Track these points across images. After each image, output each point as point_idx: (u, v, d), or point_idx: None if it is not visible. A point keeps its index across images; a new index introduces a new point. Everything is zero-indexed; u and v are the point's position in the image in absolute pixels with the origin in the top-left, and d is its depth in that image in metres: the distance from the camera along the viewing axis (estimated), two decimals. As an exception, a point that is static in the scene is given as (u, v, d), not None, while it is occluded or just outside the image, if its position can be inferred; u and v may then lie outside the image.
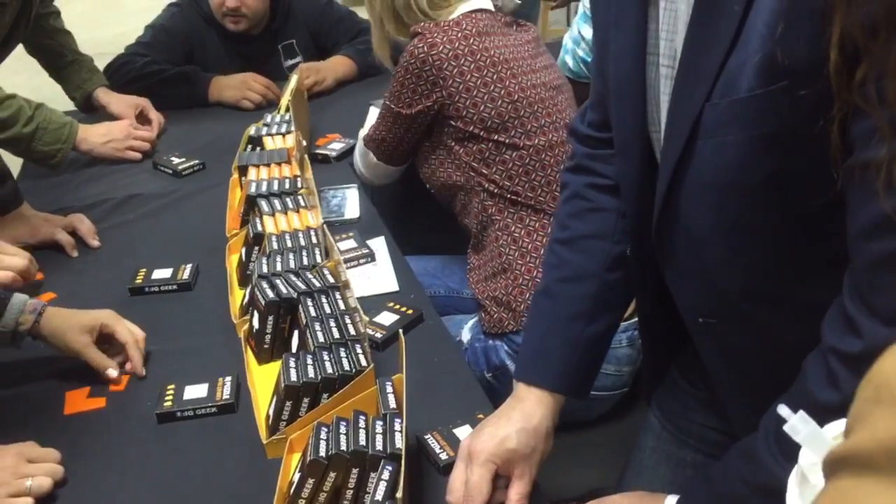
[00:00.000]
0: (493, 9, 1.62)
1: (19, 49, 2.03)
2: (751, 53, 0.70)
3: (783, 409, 0.51)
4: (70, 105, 2.21)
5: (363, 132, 1.77)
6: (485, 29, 1.56)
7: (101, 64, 2.29)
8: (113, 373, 1.21)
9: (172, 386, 1.18)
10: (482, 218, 1.58)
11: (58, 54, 2.14)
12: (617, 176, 0.99)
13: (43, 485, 1.03)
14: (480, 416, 1.09)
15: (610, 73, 0.91)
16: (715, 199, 0.79)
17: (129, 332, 1.24)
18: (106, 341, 1.24)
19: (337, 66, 2.38)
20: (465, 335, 1.62)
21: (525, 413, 1.00)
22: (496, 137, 1.54)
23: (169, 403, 1.15)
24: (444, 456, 1.03)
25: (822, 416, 0.73)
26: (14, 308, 1.17)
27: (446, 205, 1.69)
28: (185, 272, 1.46)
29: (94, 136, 1.91)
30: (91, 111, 2.16)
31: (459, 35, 1.52)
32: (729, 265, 0.82)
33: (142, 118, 2.11)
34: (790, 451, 0.77)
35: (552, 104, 1.60)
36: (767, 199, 0.76)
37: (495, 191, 1.55)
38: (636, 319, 1.33)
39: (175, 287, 1.44)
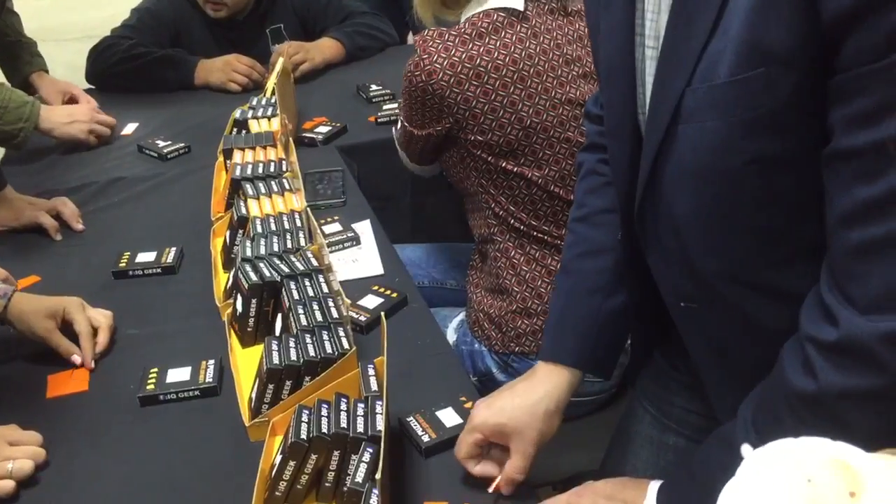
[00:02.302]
0: (521, 7, 1.38)
1: None
2: (730, 39, 0.70)
3: (745, 449, 0.51)
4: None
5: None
6: (504, 36, 1.36)
7: (87, 47, 2.27)
8: (77, 359, 1.21)
9: (156, 369, 1.18)
10: (485, 232, 1.51)
11: (1, 34, 2.10)
12: (609, 158, 0.98)
13: (24, 467, 1.03)
14: (463, 398, 1.10)
15: (600, 56, 0.91)
16: (695, 184, 0.79)
17: (86, 323, 1.23)
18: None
19: (324, 47, 2.37)
20: (451, 335, 1.58)
21: (529, 388, 1.00)
22: (503, 164, 1.41)
23: (152, 387, 1.15)
24: (426, 438, 1.03)
25: (798, 403, 0.74)
26: None
27: (460, 198, 1.62)
28: (170, 255, 1.46)
29: (56, 116, 1.88)
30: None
31: (464, 56, 1.33)
32: (709, 249, 0.82)
33: (72, 103, 2.07)
34: (767, 437, 0.77)
35: (575, 125, 1.41)
36: (746, 184, 0.76)
37: (500, 212, 1.46)
38: None
39: (159, 270, 1.44)
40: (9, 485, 1.02)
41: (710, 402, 0.96)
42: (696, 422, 1.07)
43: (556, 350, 1.03)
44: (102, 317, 1.26)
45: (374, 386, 1.00)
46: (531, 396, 0.99)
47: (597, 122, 1.08)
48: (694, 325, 0.92)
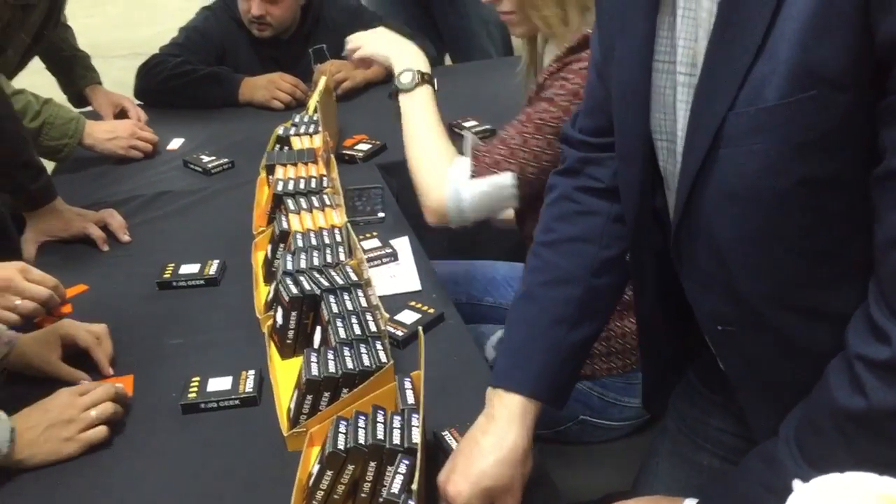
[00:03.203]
0: None
1: None
2: (779, 62, 0.70)
3: (796, 484, 0.51)
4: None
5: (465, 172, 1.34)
6: None
7: (135, 63, 2.34)
8: (86, 382, 1.22)
9: (197, 378, 1.21)
10: None
11: (58, 49, 2.18)
12: (618, 182, 0.98)
13: (106, 409, 1.10)
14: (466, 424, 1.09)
15: (613, 79, 0.91)
16: (739, 208, 0.78)
17: (88, 336, 1.25)
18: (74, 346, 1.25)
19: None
20: (490, 352, 1.57)
21: (498, 438, 0.96)
22: None
23: (193, 395, 1.18)
24: (453, 451, 1.04)
25: (845, 421, 0.74)
26: None
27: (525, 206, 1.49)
28: (212, 268, 1.49)
29: (99, 132, 1.95)
30: (82, 107, 2.20)
31: None
32: (753, 272, 0.82)
33: (122, 116, 2.14)
34: (811, 455, 0.78)
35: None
36: (794, 206, 0.76)
37: None
38: None
39: (202, 282, 1.47)
40: (102, 430, 1.09)
41: (747, 423, 0.96)
42: (731, 442, 1.07)
43: (516, 379, 1.00)
44: (98, 328, 1.28)
45: (410, 399, 1.02)
46: (505, 444, 0.96)
47: (577, 147, 1.05)
48: (732, 347, 0.92)
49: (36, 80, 2.02)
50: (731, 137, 0.76)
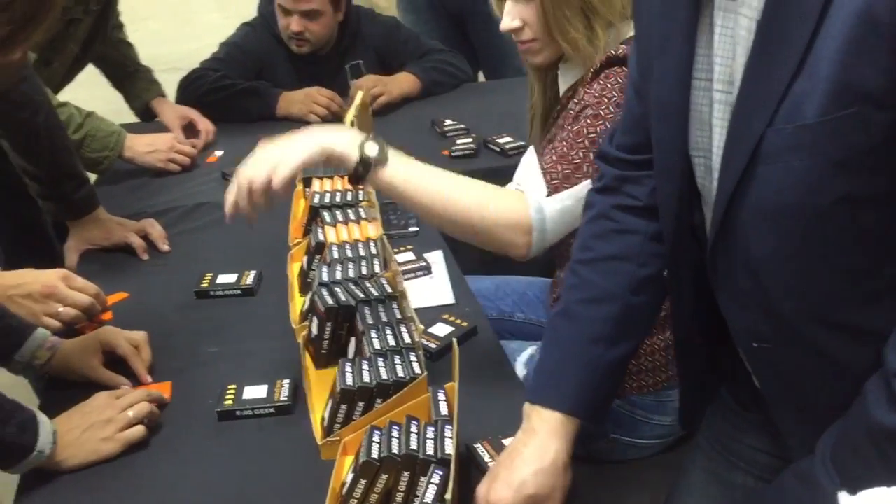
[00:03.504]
0: None
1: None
2: (819, 79, 0.70)
3: (843, 497, 0.51)
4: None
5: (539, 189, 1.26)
6: None
7: (176, 78, 2.38)
8: (126, 387, 1.24)
9: (233, 386, 1.23)
10: None
11: (120, 65, 2.25)
12: (657, 198, 0.99)
13: (143, 409, 1.13)
14: (500, 437, 1.10)
15: (652, 96, 0.92)
16: (776, 224, 0.79)
17: (127, 345, 1.28)
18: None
19: (402, 81, 2.44)
20: (520, 369, 1.56)
21: (539, 449, 0.98)
22: None
23: (229, 402, 1.20)
24: (492, 464, 1.05)
25: (884, 440, 0.74)
26: (34, 343, 1.22)
27: None
28: (249, 278, 1.52)
29: (138, 145, 1.99)
30: (149, 119, 2.26)
31: None
32: (790, 289, 0.82)
33: (191, 128, 2.19)
34: (848, 474, 0.77)
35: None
36: (833, 223, 0.76)
37: None
38: None
39: (239, 292, 1.50)
40: (140, 429, 1.12)
41: (781, 441, 0.95)
42: (765, 461, 1.06)
43: (553, 396, 1.01)
44: (137, 335, 1.31)
45: (444, 410, 1.03)
46: (546, 456, 0.98)
47: (615, 165, 1.06)
48: (768, 365, 0.91)
49: (79, 93, 2.07)
50: (769, 154, 0.76)
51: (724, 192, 0.82)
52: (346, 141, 1.16)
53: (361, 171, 1.14)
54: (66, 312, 1.29)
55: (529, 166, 1.26)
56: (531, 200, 1.20)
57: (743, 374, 0.98)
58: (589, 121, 1.23)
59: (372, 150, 1.14)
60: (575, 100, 1.33)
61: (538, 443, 0.99)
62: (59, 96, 1.91)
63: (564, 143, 1.25)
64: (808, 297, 0.81)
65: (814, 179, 0.74)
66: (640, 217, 1.03)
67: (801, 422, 0.90)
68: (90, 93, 2.05)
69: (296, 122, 2.31)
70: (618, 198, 1.05)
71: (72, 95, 1.98)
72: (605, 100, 1.23)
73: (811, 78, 0.71)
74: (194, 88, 2.32)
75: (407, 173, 1.19)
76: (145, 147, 2.00)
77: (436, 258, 1.58)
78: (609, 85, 1.25)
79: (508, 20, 1.34)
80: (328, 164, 1.19)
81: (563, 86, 1.41)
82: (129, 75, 2.26)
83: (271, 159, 1.16)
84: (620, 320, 1.02)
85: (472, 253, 1.98)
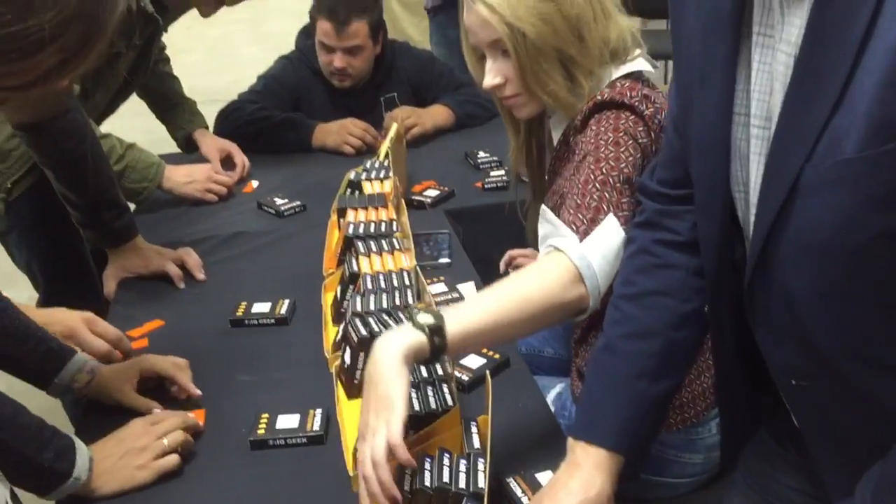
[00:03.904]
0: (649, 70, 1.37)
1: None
2: (858, 114, 0.70)
3: None
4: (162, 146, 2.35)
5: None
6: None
7: (214, 109, 2.43)
8: (158, 411, 1.24)
9: (266, 415, 1.23)
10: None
11: (164, 97, 2.31)
12: (698, 234, 0.98)
13: (177, 438, 1.14)
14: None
15: (692, 131, 0.92)
16: (814, 260, 0.78)
17: (171, 365, 1.30)
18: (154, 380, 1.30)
19: (435, 113, 2.46)
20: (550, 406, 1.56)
21: (584, 481, 0.98)
22: None
23: (262, 431, 1.20)
24: (525, 500, 1.04)
25: None
26: (74, 366, 1.24)
27: None
28: (283, 307, 1.53)
29: (177, 176, 2.03)
30: (191, 151, 2.30)
31: None
32: (829, 326, 0.81)
33: (229, 160, 2.22)
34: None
35: None
36: (871, 259, 0.75)
37: None
38: None
39: (273, 321, 1.51)
40: (174, 458, 1.13)
41: (820, 481, 0.93)
42: (802, 501, 1.04)
43: (597, 432, 1.01)
44: (179, 360, 1.32)
45: (476, 444, 1.02)
46: (592, 489, 0.97)
47: (656, 199, 1.05)
48: (807, 403, 0.90)
49: (116, 124, 2.12)
50: (807, 189, 0.76)
51: (762, 227, 0.81)
52: (403, 335, 1.01)
53: (438, 341, 1.01)
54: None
55: (552, 223, 1.23)
56: (569, 251, 1.15)
57: (782, 412, 0.97)
58: (592, 167, 1.22)
59: (426, 318, 1.02)
60: (571, 148, 1.34)
61: (583, 475, 0.98)
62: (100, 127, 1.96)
63: (577, 196, 1.22)
64: (846, 334, 0.80)
65: (852, 215, 0.74)
66: (681, 252, 1.03)
67: (840, 462, 0.89)
68: (126, 123, 2.09)
69: (330, 153, 2.34)
70: (659, 233, 1.05)
71: (109, 126, 2.02)
72: (602, 143, 1.24)
73: (850, 113, 0.71)
74: (232, 120, 2.37)
75: (463, 316, 1.07)
76: (183, 178, 2.04)
77: (468, 290, 1.58)
78: (602, 129, 1.25)
79: (490, 77, 1.35)
80: (419, 362, 1.03)
81: (556, 135, 1.42)
82: (173, 107, 2.32)
83: (375, 426, 0.94)
84: (663, 356, 1.02)
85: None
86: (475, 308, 1.09)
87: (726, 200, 0.89)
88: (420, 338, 1.00)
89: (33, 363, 1.22)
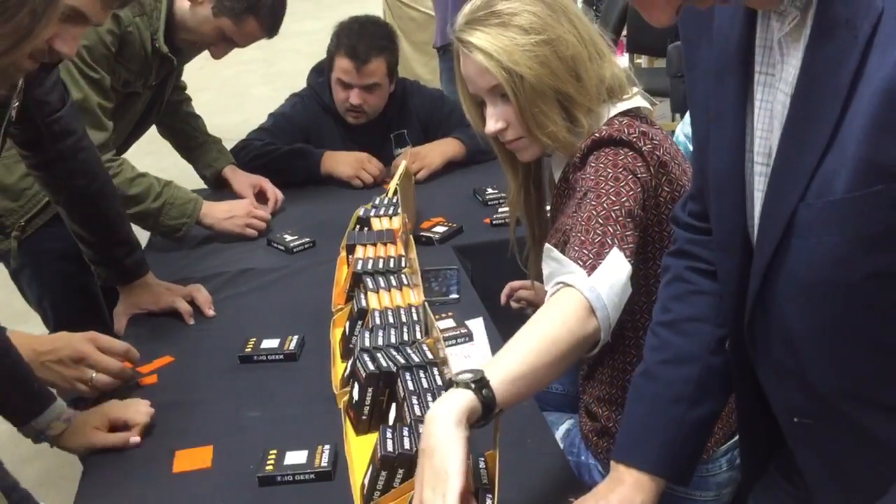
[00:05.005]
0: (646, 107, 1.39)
1: (151, 133, 2.21)
2: (847, 156, 0.71)
3: None
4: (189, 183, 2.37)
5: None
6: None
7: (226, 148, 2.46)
8: (135, 439, 1.27)
9: (274, 451, 1.23)
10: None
11: (190, 136, 2.33)
12: (717, 270, 0.99)
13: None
14: (572, 499, 1.09)
15: (709, 170, 0.93)
16: (810, 298, 0.79)
17: (134, 411, 1.31)
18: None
19: (447, 146, 2.47)
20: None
21: (623, 497, 0.99)
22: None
23: (270, 467, 1.20)
24: (574, 505, 1.03)
25: None
26: (51, 413, 1.25)
27: None
28: (292, 343, 1.53)
29: (217, 212, 2.04)
30: (220, 188, 2.31)
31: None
32: (826, 364, 0.81)
33: (261, 195, 2.24)
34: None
35: None
36: (865, 299, 0.76)
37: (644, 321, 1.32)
38: (736, 438, 1.29)
39: (281, 357, 1.51)
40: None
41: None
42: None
43: (638, 456, 1.02)
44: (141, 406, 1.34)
45: (484, 478, 1.02)
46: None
47: (686, 229, 1.08)
48: (807, 440, 0.90)
49: (153, 164, 2.13)
50: (801, 228, 0.77)
51: (760, 264, 0.82)
52: (451, 398, 0.96)
53: (486, 393, 0.96)
54: (100, 379, 1.32)
55: (557, 261, 1.19)
56: (579, 285, 1.11)
57: (791, 449, 0.96)
58: (594, 203, 1.22)
59: (466, 376, 0.97)
60: (571, 185, 1.35)
61: (623, 492, 1.00)
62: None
63: (580, 232, 1.20)
64: (845, 373, 0.81)
65: (843, 255, 0.74)
66: (712, 280, 1.04)
67: (842, 500, 0.88)
68: (162, 162, 2.11)
69: (339, 185, 2.36)
70: (690, 261, 1.07)
71: (143, 163, 2.04)
72: (602, 179, 1.25)
73: (840, 154, 0.72)
74: (243, 156, 2.39)
75: (501, 365, 1.03)
76: (223, 214, 2.06)
77: (476, 325, 1.58)
78: (601, 165, 1.27)
79: (493, 123, 1.37)
80: (473, 424, 0.97)
81: (556, 173, 1.44)
82: (199, 146, 2.34)
83: (432, 501, 0.90)
84: (701, 380, 1.03)
85: (514, 322, 1.99)
86: (510, 356, 1.04)
87: (744, 238, 0.90)
88: (468, 395, 0.94)
89: (14, 400, 1.22)
